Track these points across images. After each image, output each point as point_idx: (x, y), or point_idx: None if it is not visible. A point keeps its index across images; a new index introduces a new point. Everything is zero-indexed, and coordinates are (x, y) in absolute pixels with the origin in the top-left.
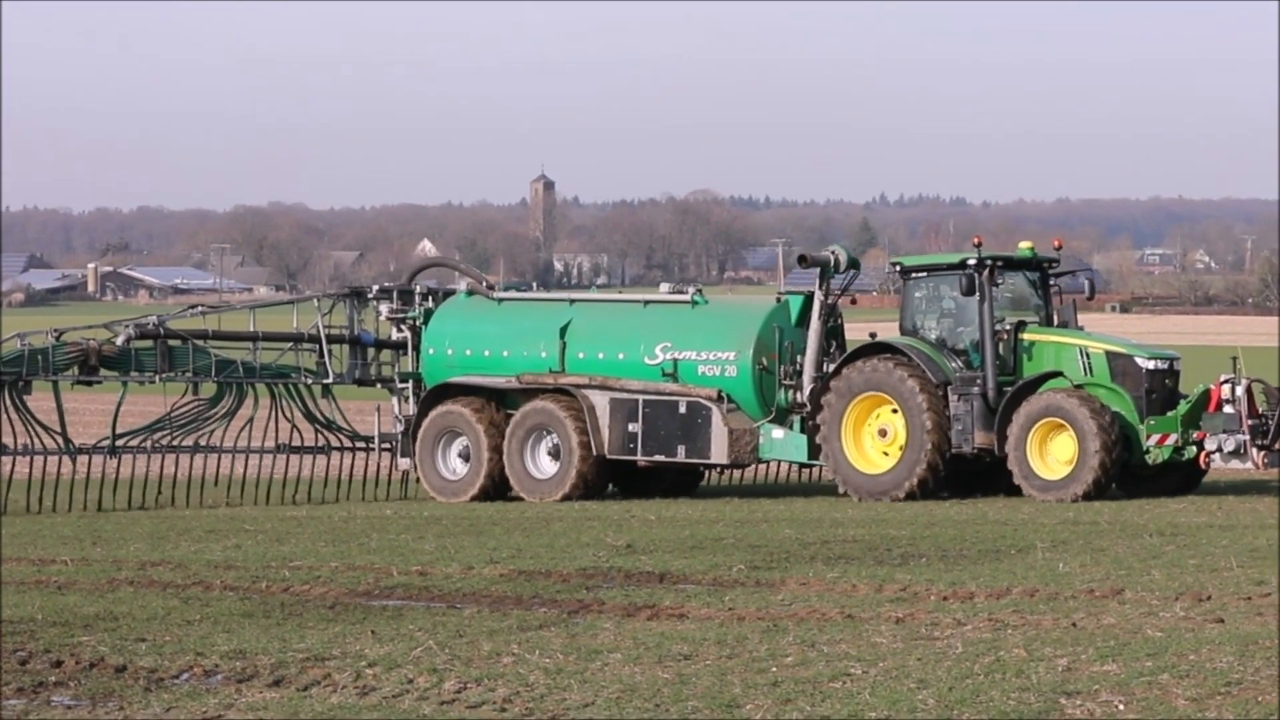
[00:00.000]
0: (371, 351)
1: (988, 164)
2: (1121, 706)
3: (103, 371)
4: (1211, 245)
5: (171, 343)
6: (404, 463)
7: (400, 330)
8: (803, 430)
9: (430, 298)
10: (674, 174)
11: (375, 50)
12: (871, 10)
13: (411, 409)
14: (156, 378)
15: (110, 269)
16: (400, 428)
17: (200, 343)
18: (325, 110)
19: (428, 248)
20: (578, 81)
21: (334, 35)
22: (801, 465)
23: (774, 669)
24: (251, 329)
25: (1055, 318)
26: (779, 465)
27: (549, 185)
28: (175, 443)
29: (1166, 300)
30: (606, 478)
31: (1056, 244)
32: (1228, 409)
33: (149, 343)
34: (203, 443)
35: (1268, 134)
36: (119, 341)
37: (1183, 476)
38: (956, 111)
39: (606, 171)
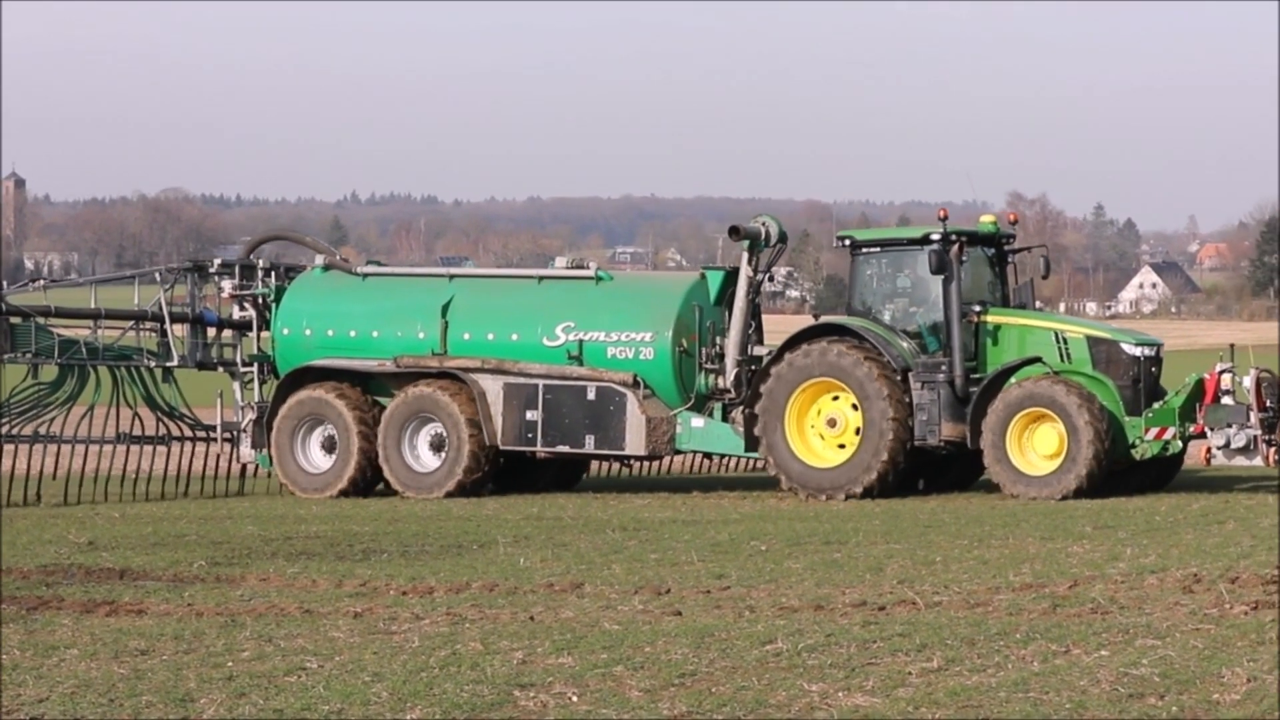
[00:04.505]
0: (212, 332)
1: (458, 163)
2: (575, 698)
3: None
4: (683, 244)
5: (13, 320)
6: (246, 454)
7: (243, 309)
8: (725, 419)
9: (273, 273)
10: (146, 172)
11: None
12: (333, 9)
13: (257, 394)
14: None
15: None
16: (250, 416)
17: (42, 320)
18: None
19: None
20: (49, 76)
21: None
22: (722, 456)
23: (230, 664)
24: (93, 305)
25: (1011, 298)
26: (693, 457)
27: (20, 183)
28: (14, 431)
29: None
30: (499, 471)
31: (1012, 218)
32: (1226, 400)
33: None
34: (42, 431)
35: (745, 133)
36: None
37: (1160, 471)
38: (424, 111)
39: (78, 169)
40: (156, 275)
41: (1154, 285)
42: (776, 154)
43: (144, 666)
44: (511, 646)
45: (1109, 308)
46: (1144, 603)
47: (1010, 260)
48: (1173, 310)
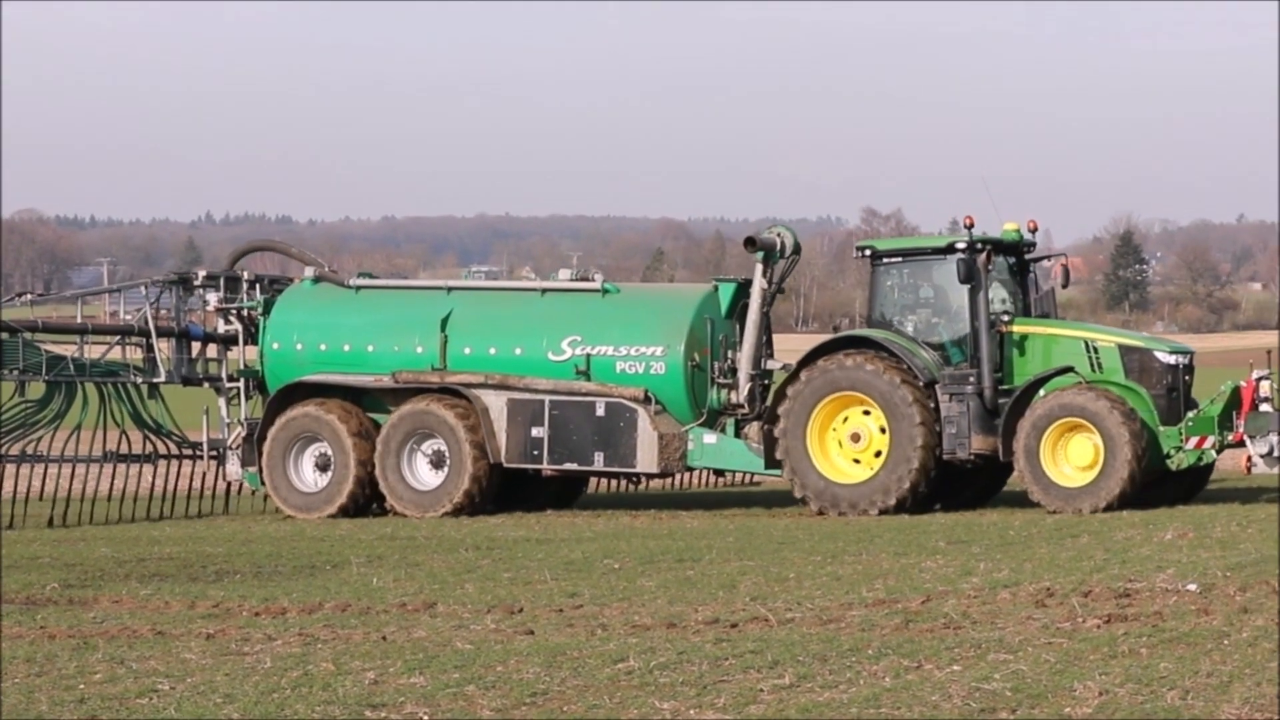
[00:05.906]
0: (197, 346)
1: (313, 183)
2: (426, 718)
3: None
4: (538, 262)
5: (1, 336)
6: (233, 473)
7: (229, 322)
8: (737, 434)
9: (258, 285)
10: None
11: None
12: (182, 12)
13: (243, 410)
14: None
15: None
16: (238, 433)
17: (29, 336)
18: None
19: None
20: None
21: None
22: (737, 473)
23: (82, 686)
24: (79, 320)
25: (1033, 308)
26: (700, 472)
27: None
28: (2, 451)
29: None
30: (499, 488)
31: (1032, 226)
32: (1265, 407)
33: None
34: (29, 450)
35: (598, 151)
36: None
37: (1192, 481)
38: (276, 130)
39: None
40: (142, 289)
41: None
42: (630, 172)
43: None
44: (364, 666)
45: None
46: (996, 617)
47: (1031, 269)
48: None
